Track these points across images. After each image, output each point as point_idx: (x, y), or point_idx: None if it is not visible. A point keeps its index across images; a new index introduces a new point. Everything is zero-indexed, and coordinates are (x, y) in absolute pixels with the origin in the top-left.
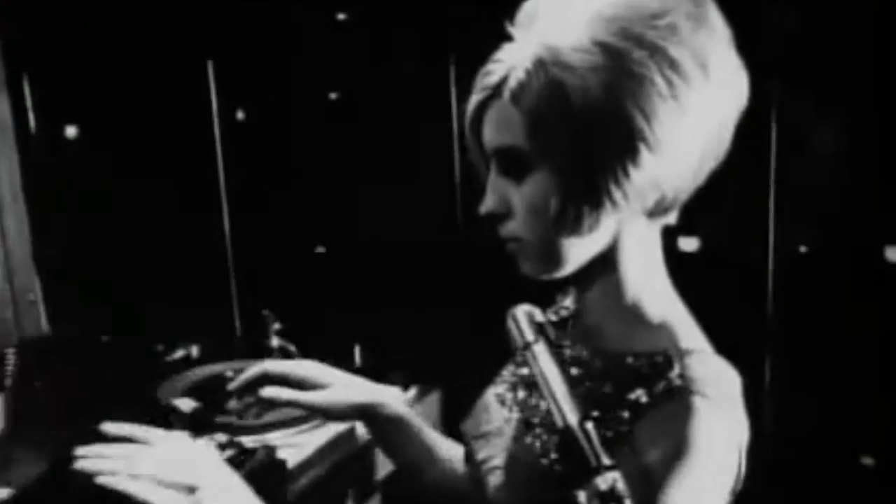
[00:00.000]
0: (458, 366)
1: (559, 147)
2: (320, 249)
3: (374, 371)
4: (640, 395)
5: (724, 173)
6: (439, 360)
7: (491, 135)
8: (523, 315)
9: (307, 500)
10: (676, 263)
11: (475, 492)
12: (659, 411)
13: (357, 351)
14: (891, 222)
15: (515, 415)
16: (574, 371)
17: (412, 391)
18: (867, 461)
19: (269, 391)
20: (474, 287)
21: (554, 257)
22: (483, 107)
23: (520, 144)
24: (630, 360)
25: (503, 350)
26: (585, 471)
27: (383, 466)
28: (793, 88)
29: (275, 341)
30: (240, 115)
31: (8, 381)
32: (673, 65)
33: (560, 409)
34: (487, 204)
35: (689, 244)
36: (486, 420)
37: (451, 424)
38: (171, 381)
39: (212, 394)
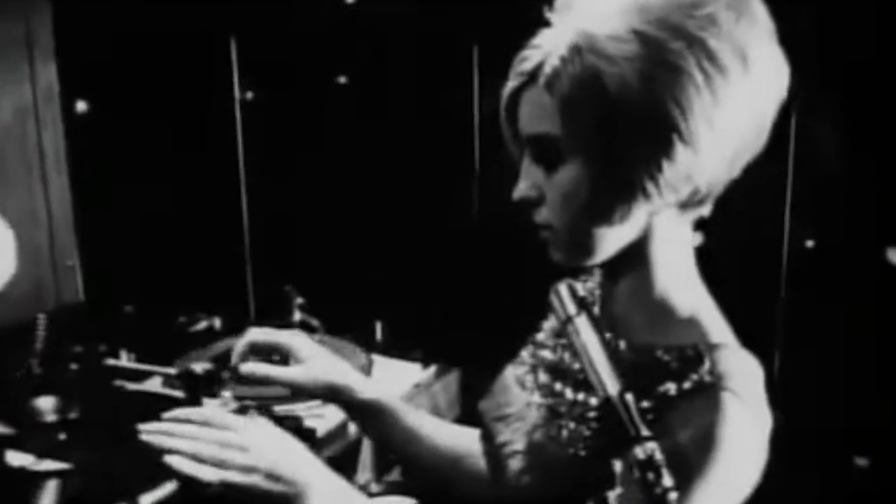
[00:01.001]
0: (477, 345)
1: (592, 137)
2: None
3: (395, 348)
4: (669, 388)
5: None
6: (459, 340)
7: (525, 122)
8: (565, 289)
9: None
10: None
11: (493, 474)
12: (688, 406)
13: (378, 328)
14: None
15: (537, 399)
16: None
17: (431, 369)
18: (861, 462)
19: (246, 367)
20: (495, 268)
21: (584, 246)
22: (518, 93)
23: (553, 132)
24: (660, 353)
25: (523, 330)
26: (624, 441)
27: None
28: (810, 84)
29: (297, 315)
30: (249, 95)
31: (39, 347)
32: (711, 57)
33: (601, 381)
34: (520, 190)
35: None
36: (505, 402)
37: (470, 404)
38: (196, 351)
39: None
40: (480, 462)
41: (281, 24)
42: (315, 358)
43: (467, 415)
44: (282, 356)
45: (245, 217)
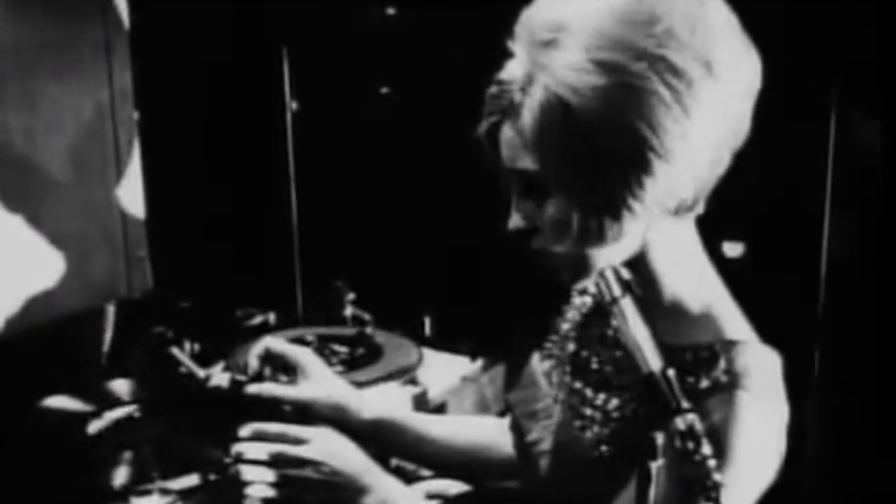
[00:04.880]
0: (524, 339)
1: (568, 168)
2: None
3: (444, 342)
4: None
5: (777, 177)
6: (507, 333)
7: (505, 158)
8: (611, 272)
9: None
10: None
11: (524, 470)
12: (703, 405)
13: (427, 322)
14: None
15: (562, 396)
16: (618, 354)
17: (479, 362)
18: None
19: (253, 388)
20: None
21: (583, 267)
22: (494, 131)
23: (530, 167)
24: (676, 353)
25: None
26: (666, 413)
27: None
28: (851, 92)
29: (348, 310)
30: (294, 105)
31: (107, 336)
32: (674, 71)
33: (644, 357)
34: (514, 221)
35: (733, 249)
36: (533, 397)
37: None
38: (251, 345)
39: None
40: (503, 452)
41: (326, 37)
42: (322, 377)
43: None
44: (290, 371)
45: (294, 216)
